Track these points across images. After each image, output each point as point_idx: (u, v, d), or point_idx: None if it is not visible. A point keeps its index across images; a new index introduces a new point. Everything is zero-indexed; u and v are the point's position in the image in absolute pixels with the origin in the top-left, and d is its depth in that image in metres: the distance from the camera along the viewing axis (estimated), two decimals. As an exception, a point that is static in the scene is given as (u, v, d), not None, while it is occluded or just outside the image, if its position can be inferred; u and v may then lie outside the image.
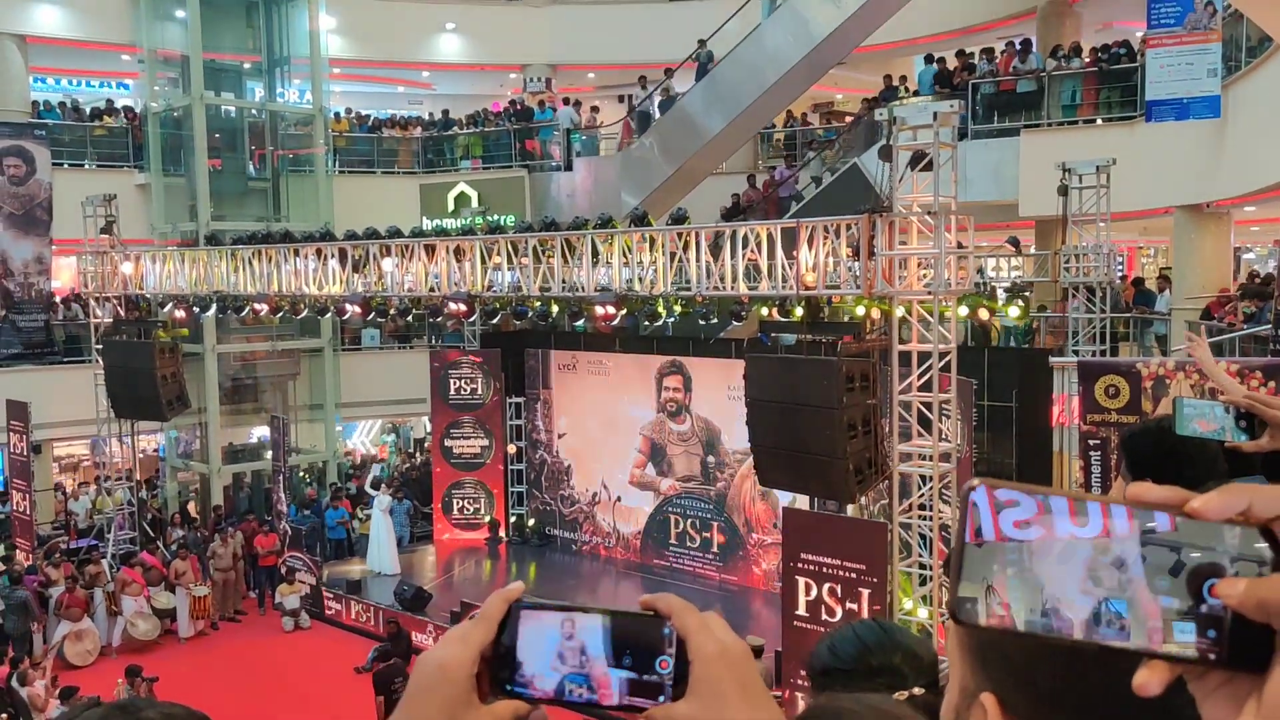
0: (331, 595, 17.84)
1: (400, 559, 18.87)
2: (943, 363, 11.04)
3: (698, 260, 12.93)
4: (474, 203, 23.06)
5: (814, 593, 11.67)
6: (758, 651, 11.81)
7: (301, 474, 22.81)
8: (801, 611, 11.76)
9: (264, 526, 19.21)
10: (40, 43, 22.57)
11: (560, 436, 20.04)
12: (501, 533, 20.33)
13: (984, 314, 12.05)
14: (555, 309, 15.17)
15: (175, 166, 22.04)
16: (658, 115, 21.47)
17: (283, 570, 18.14)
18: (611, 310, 13.93)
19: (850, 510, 13.38)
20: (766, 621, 14.51)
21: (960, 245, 11.29)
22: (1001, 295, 12.43)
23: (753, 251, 12.46)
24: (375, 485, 20.27)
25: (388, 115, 26.74)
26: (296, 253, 16.97)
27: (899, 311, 11.18)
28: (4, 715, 12.76)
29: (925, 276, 11.09)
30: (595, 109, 24.37)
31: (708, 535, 17.99)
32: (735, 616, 14.93)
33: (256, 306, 17.39)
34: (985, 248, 17.66)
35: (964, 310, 11.71)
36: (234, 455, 22.65)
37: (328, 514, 20.02)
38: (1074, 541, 0.79)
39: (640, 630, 0.99)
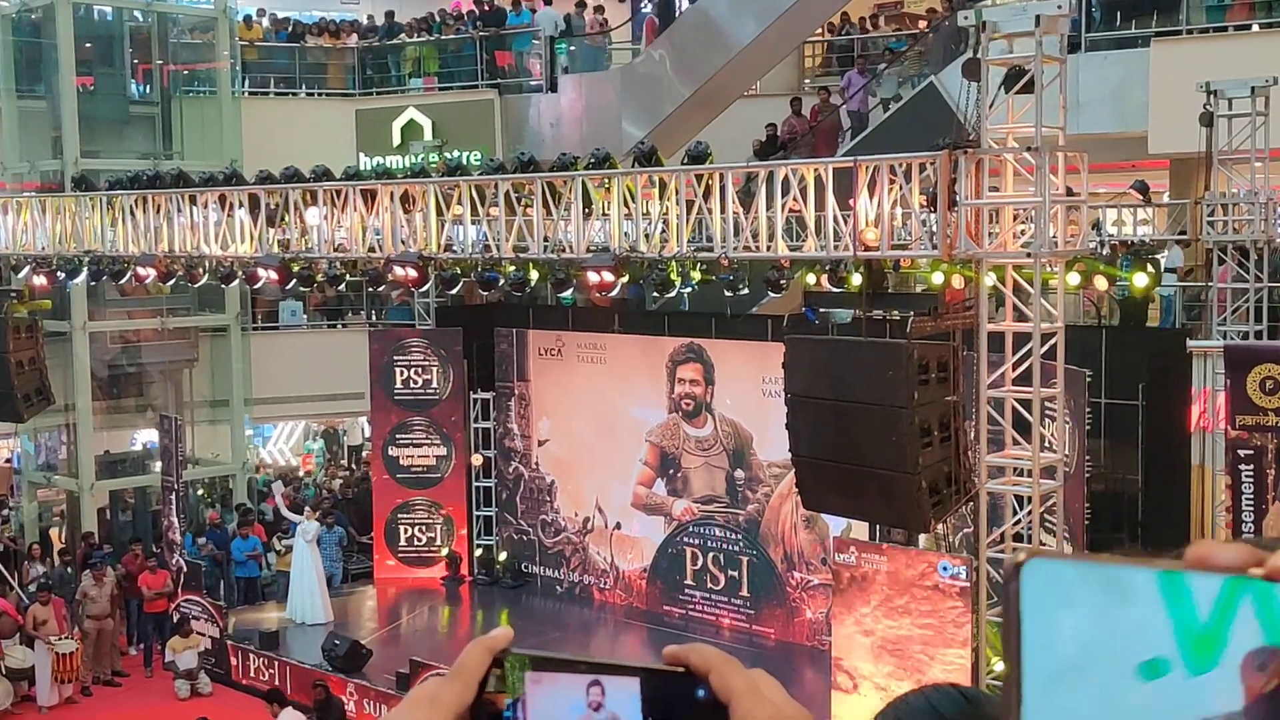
0: (239, 651, 17.90)
1: (330, 604, 18.92)
2: (1046, 347, 11.04)
3: (723, 211, 12.92)
4: (427, 134, 23.04)
5: (875, 650, 11.71)
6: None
7: (200, 492, 22.85)
8: (858, 675, 11.79)
9: (151, 561, 19.22)
10: None
11: (541, 444, 20.07)
12: (463, 570, 20.37)
13: (1101, 284, 12.05)
14: (535, 276, 15.16)
15: (32, 86, 22.03)
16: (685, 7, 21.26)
17: (175, 618, 18.20)
18: (609, 277, 13.93)
19: (923, 542, 13.40)
20: (811, 687, 14.55)
21: (1070, 192, 11.27)
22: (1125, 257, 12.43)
23: (796, 200, 12.44)
24: (297, 508, 20.32)
25: (313, 19, 26.71)
26: (193, 200, 16.97)
27: (988, 279, 11.16)
28: None
29: (1024, 233, 11.07)
30: (600, 8, 24.20)
31: (735, 574, 18.02)
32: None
33: (141, 272, 17.40)
34: (1103, 195, 17.62)
35: (1075, 278, 11.70)
36: (111, 467, 22.68)
37: (234, 545, 20.05)
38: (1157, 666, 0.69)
39: (666, 692, 0.97)
